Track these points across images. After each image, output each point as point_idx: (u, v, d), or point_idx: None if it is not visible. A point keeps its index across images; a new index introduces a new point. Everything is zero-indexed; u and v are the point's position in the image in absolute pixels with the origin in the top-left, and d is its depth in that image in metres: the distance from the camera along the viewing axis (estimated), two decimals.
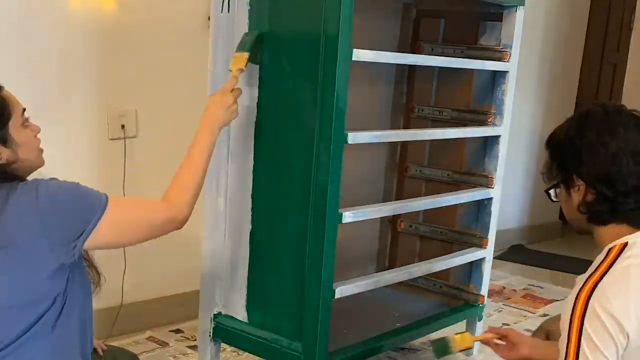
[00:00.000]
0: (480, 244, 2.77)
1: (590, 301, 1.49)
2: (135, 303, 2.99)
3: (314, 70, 2.06)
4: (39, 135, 1.67)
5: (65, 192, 1.55)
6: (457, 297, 2.86)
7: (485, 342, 2.01)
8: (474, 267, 2.82)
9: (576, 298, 1.51)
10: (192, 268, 2.63)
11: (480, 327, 2.92)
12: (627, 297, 1.47)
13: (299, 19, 2.13)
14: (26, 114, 1.63)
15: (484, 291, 2.83)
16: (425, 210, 2.90)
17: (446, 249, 2.84)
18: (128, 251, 2.79)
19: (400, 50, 2.90)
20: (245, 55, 2.13)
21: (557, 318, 1.66)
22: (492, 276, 2.95)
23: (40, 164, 1.67)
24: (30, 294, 1.51)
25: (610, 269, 1.53)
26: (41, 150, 1.67)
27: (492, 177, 2.73)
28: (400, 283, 2.73)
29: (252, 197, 2.30)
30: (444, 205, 2.66)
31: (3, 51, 2.49)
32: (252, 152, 2.28)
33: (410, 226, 2.99)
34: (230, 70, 2.10)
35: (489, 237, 2.77)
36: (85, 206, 1.54)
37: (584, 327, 1.48)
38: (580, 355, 1.49)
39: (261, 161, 2.27)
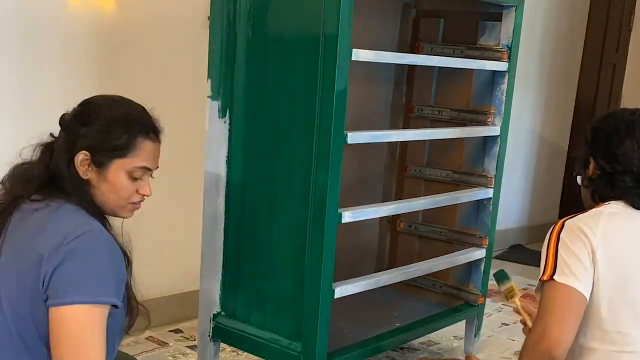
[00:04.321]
0: (480, 243, 2.78)
1: (567, 222, 1.73)
2: None
3: (314, 70, 2.06)
4: (139, 198, 1.58)
5: (88, 260, 1.44)
6: (456, 297, 2.86)
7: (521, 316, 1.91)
8: (474, 267, 2.82)
9: (555, 225, 1.75)
10: (192, 268, 2.62)
11: (479, 328, 2.92)
12: (596, 222, 1.71)
13: (299, 18, 2.13)
14: (153, 174, 1.58)
15: (484, 291, 2.83)
16: (424, 210, 2.90)
17: (446, 249, 2.84)
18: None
19: (400, 50, 2.90)
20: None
21: None
22: (491, 276, 2.95)
23: (119, 216, 1.58)
24: (31, 315, 1.46)
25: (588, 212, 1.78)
26: (130, 208, 1.58)
27: (491, 177, 2.73)
28: (400, 283, 2.73)
29: (252, 197, 2.30)
30: (443, 205, 2.67)
31: (3, 51, 2.49)
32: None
33: (410, 226, 2.99)
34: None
35: (489, 236, 2.78)
36: (80, 281, 1.42)
37: (560, 238, 1.71)
38: (558, 259, 1.68)
39: (261, 161, 2.27)
